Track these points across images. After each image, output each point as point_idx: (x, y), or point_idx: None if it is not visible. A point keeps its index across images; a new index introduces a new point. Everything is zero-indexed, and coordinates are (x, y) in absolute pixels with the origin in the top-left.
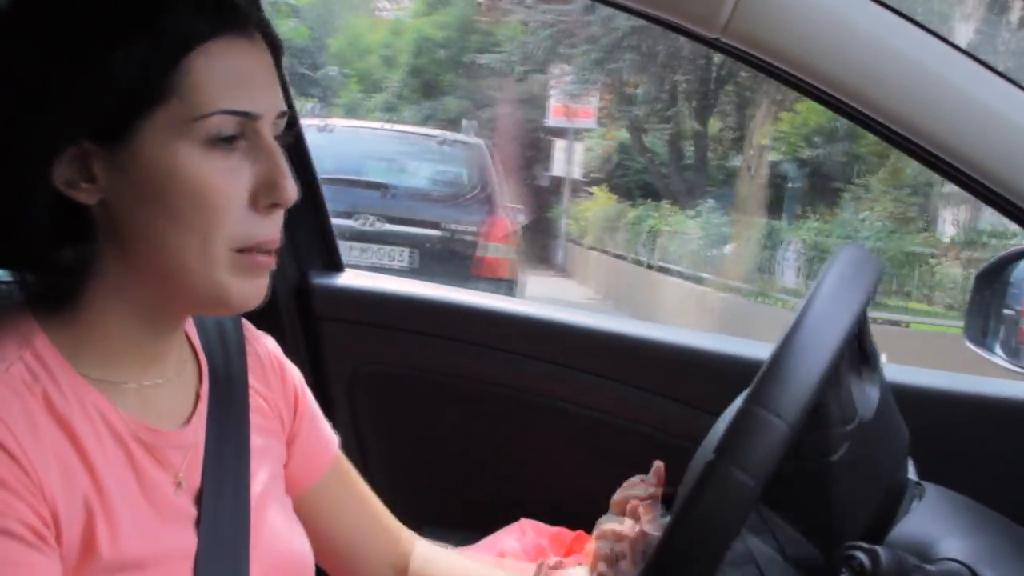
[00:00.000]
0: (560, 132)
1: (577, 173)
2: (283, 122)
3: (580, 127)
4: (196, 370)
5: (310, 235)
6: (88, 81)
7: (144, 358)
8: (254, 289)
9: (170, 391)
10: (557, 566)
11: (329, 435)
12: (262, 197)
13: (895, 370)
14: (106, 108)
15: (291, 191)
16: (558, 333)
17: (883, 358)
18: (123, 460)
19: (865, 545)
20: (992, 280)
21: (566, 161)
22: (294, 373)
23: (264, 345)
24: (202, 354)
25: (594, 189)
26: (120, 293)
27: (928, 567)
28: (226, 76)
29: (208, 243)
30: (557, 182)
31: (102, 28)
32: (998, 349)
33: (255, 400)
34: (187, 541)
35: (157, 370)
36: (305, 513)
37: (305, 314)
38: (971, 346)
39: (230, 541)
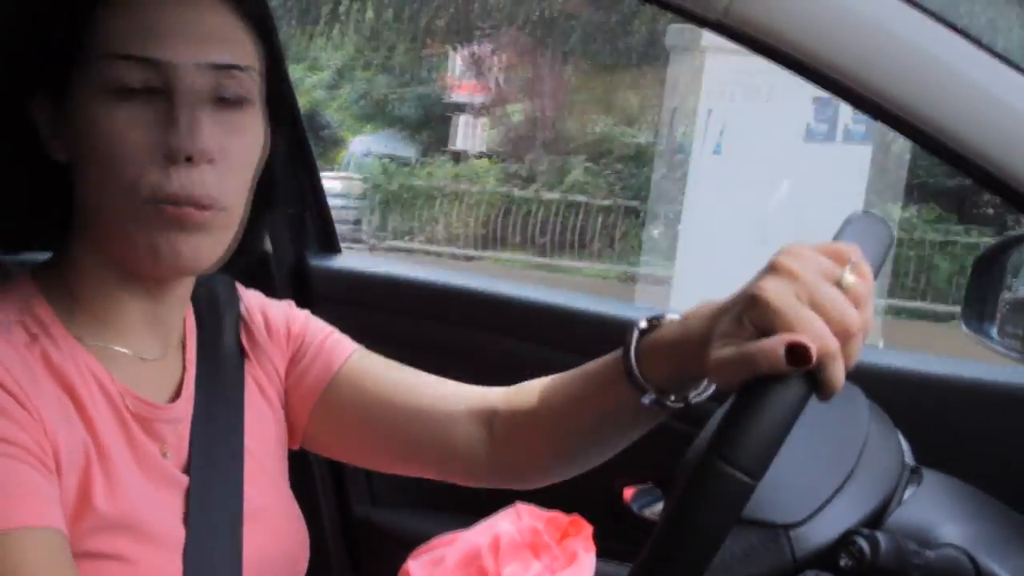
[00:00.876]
0: (464, 107)
1: (478, 148)
2: (226, 77)
3: (476, 102)
4: (183, 338)
5: (307, 218)
6: (20, 45)
7: (144, 327)
8: (165, 245)
9: (163, 364)
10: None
11: (339, 337)
12: (174, 151)
13: (893, 356)
14: (41, 68)
15: (188, 141)
16: (558, 317)
17: (880, 344)
18: (116, 423)
19: (864, 531)
20: (990, 265)
21: (470, 136)
22: (280, 312)
23: (250, 302)
24: (191, 322)
25: (475, 162)
26: (92, 253)
27: (927, 553)
28: (133, 25)
29: (121, 195)
30: (458, 156)
31: None
32: (995, 335)
33: (251, 369)
34: (177, 505)
35: (159, 341)
36: (339, 403)
37: (302, 296)
38: (968, 332)
39: (221, 506)
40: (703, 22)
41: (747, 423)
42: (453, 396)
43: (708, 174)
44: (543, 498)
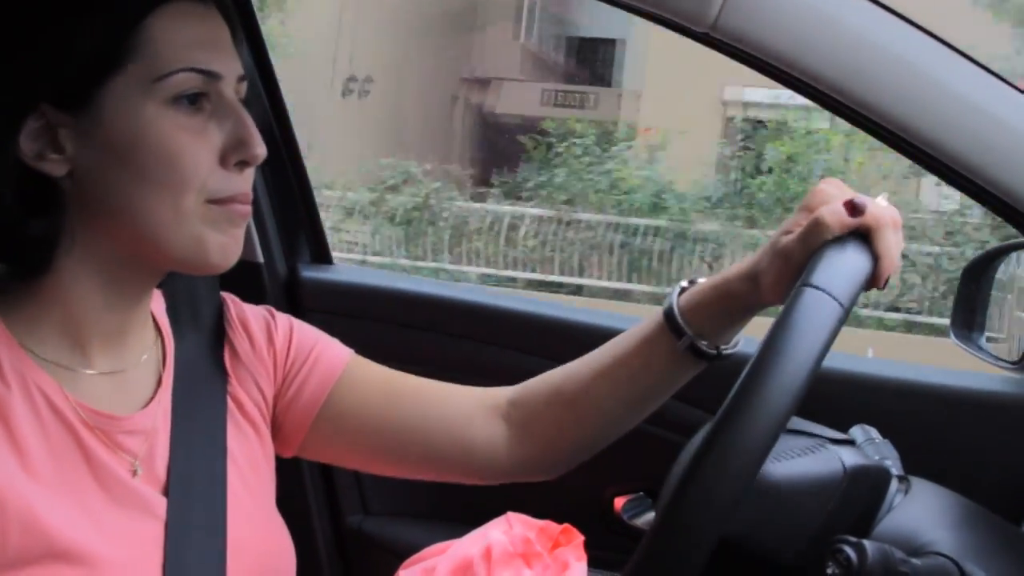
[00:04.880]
0: None
1: None
2: (243, 87)
3: None
4: (162, 354)
5: (299, 228)
6: (47, 48)
7: (105, 339)
8: (231, 240)
9: (132, 377)
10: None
11: (328, 341)
12: (231, 155)
13: (882, 364)
14: (66, 74)
15: (259, 148)
16: (550, 328)
17: (870, 352)
18: (71, 445)
19: (852, 539)
20: (979, 274)
21: None
22: (260, 322)
23: (231, 315)
24: (169, 338)
25: None
26: (87, 264)
27: (914, 561)
28: (186, 37)
29: (180, 199)
30: None
31: None
32: (984, 344)
33: (232, 390)
34: (152, 530)
35: (118, 355)
36: (343, 411)
37: (294, 307)
38: (957, 341)
39: (203, 532)
40: (691, 35)
41: (831, 262)
42: (464, 395)
43: None
44: (534, 508)
